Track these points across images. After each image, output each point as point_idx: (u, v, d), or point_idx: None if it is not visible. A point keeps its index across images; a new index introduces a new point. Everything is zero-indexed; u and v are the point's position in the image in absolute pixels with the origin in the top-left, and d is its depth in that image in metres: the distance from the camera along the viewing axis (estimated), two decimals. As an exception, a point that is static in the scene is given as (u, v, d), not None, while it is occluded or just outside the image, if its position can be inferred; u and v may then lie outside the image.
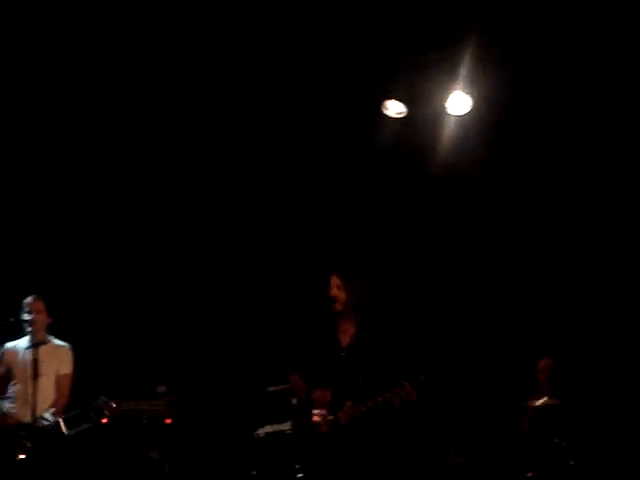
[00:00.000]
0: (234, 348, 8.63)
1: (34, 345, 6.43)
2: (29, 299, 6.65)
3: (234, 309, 8.71)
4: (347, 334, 5.84)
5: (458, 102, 7.68)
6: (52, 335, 6.78)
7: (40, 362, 6.38)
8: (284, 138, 8.38)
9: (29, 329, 6.57)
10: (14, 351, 6.64)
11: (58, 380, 6.62)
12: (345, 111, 8.05)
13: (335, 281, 5.87)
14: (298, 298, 7.49)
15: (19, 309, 6.67)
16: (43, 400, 6.44)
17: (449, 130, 8.05)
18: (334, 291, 5.83)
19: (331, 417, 5.58)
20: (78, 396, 6.83)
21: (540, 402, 7.40)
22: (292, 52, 7.54)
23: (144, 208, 8.71)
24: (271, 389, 6.56)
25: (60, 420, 6.21)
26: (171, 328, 8.62)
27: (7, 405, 6.55)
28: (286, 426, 6.55)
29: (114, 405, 6.17)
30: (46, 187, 8.42)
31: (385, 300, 6.21)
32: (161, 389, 7.58)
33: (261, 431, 7.06)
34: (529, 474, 7.29)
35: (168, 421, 7.37)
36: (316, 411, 5.63)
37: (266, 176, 8.64)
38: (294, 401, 5.86)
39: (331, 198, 8.68)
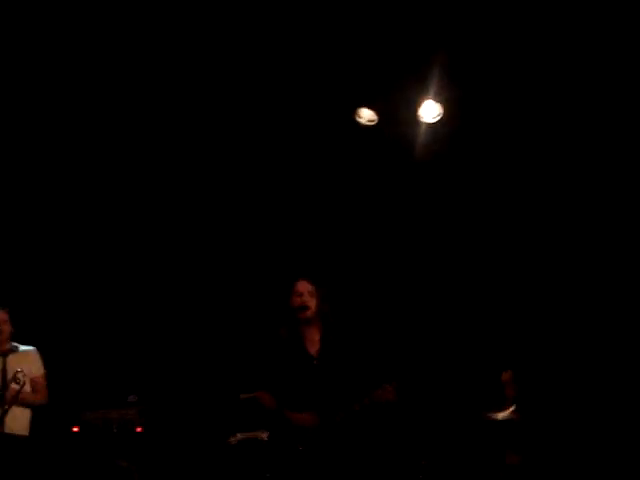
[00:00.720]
0: (205, 355, 8.58)
1: (2, 355, 6.35)
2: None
3: (204, 317, 8.67)
4: (314, 342, 5.68)
5: (429, 110, 7.71)
6: (17, 342, 6.67)
7: (11, 371, 6.29)
8: (255, 146, 8.37)
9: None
10: None
11: (33, 383, 6.52)
12: (317, 119, 8.04)
13: (305, 287, 5.70)
14: (262, 307, 7.46)
15: None
16: (15, 412, 6.32)
17: (421, 137, 8.06)
18: (305, 298, 5.64)
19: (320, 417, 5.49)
20: (49, 404, 6.75)
21: (502, 415, 7.44)
22: (264, 62, 7.53)
23: (115, 219, 8.64)
24: (243, 396, 6.54)
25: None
26: (142, 337, 8.57)
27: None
28: (260, 434, 6.51)
29: None
30: (15, 193, 8.34)
31: (348, 306, 6.18)
32: (132, 398, 7.56)
33: (234, 438, 7.00)
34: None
35: (139, 429, 7.36)
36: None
37: (228, 186, 8.63)
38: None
39: (295, 206, 8.66)
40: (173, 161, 8.43)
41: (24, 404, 6.40)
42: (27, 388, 6.44)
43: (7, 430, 6.18)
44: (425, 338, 8.45)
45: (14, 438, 6.28)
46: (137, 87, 7.63)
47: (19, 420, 6.39)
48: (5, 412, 6.12)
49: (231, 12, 7.01)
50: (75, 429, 7.30)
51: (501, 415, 7.40)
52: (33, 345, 6.74)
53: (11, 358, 6.41)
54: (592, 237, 8.17)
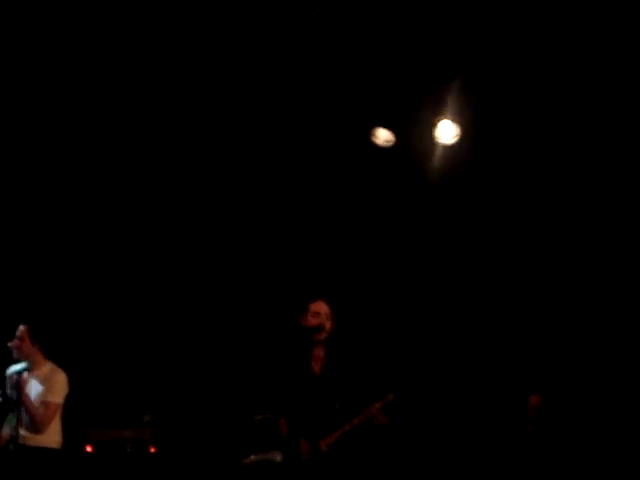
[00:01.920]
0: (220, 377, 8.56)
1: (21, 371, 6.30)
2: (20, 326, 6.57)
3: (217, 337, 8.65)
4: (317, 361, 5.70)
5: (447, 131, 7.70)
6: (52, 360, 6.57)
7: (32, 389, 6.28)
8: (272, 165, 8.37)
9: (15, 355, 6.48)
10: (17, 375, 6.47)
11: (44, 405, 6.34)
12: (334, 138, 8.04)
13: (323, 308, 5.70)
14: (276, 326, 7.44)
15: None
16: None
17: (438, 159, 8.05)
18: (322, 319, 5.65)
19: (311, 445, 5.49)
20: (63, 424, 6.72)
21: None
22: (279, 83, 7.54)
23: (128, 240, 8.68)
24: (257, 417, 6.51)
25: None
26: (156, 356, 8.55)
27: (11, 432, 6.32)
28: (273, 454, 6.48)
29: None
30: (32, 213, 8.36)
31: (353, 325, 6.16)
32: (146, 417, 7.54)
33: (249, 459, 6.96)
34: None
35: (152, 449, 7.33)
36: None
37: (242, 204, 8.62)
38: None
39: (307, 223, 8.65)
40: (187, 179, 8.47)
41: (26, 411, 6.25)
42: (36, 404, 6.40)
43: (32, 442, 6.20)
44: (446, 357, 8.44)
45: (38, 451, 6.24)
46: (143, 93, 7.67)
47: (50, 437, 6.33)
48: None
49: (253, 31, 7.04)
50: (88, 449, 7.28)
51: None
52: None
53: (37, 374, 6.37)
54: (611, 259, 8.13)
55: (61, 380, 6.43)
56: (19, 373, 6.25)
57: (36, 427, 6.26)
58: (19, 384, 6.19)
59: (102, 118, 7.91)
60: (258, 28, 7.04)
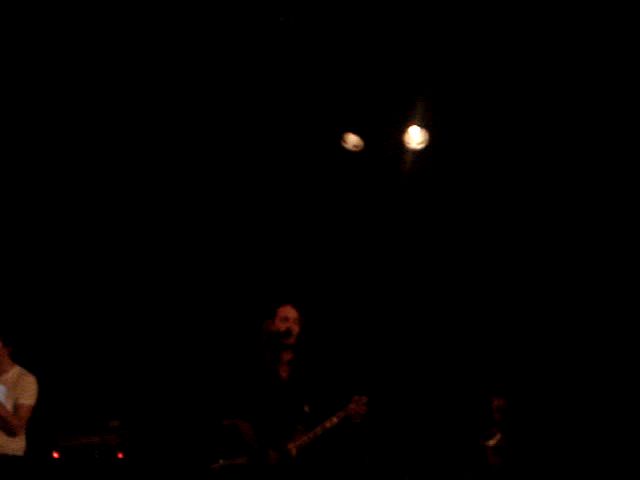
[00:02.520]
0: (187, 382, 8.55)
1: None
2: None
3: (184, 342, 8.64)
4: (285, 365, 5.68)
5: (415, 136, 7.74)
6: (19, 365, 6.48)
7: (2, 393, 6.18)
8: (244, 169, 8.39)
9: None
10: None
11: (17, 408, 6.22)
12: (303, 142, 8.06)
13: (292, 313, 5.72)
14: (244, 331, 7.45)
15: None
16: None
17: (407, 164, 8.09)
18: (290, 324, 5.64)
19: (278, 450, 5.50)
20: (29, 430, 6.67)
21: (493, 441, 7.46)
22: (251, 88, 7.56)
23: (101, 249, 8.66)
24: (226, 422, 6.51)
25: None
26: (123, 361, 8.52)
27: None
28: (240, 460, 6.47)
29: None
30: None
31: (319, 330, 6.19)
32: (113, 423, 7.51)
33: (217, 465, 6.95)
34: None
35: (120, 455, 7.31)
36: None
37: (209, 210, 8.65)
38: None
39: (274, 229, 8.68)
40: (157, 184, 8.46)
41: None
42: (8, 407, 6.35)
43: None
44: (411, 358, 8.48)
45: (4, 458, 6.14)
46: (140, 95, 7.66)
47: (13, 441, 6.20)
48: None
49: (231, 34, 7.06)
50: (55, 455, 7.24)
51: (492, 442, 7.44)
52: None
53: (5, 379, 6.27)
54: (589, 259, 8.21)
55: (32, 382, 6.35)
56: None
57: (11, 431, 6.17)
58: None
59: (97, 119, 7.89)
60: (232, 33, 7.07)
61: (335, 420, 5.50)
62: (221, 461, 6.84)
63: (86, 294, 8.61)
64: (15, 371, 6.38)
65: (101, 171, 8.37)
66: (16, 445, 6.26)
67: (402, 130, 7.82)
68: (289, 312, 5.68)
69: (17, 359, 6.46)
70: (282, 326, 5.61)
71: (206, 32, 7.07)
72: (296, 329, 5.65)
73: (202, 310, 8.65)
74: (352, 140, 7.96)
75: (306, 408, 5.58)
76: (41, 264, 8.52)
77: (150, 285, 8.71)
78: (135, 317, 8.63)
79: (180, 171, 8.40)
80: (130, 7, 6.86)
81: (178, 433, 8.37)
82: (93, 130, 7.99)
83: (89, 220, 8.58)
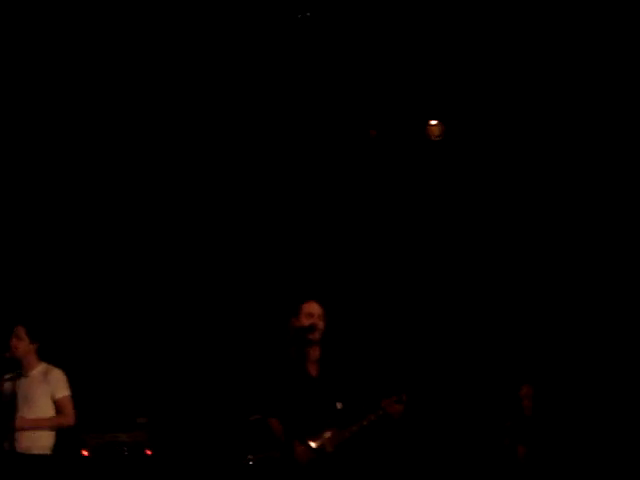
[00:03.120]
0: (215, 378, 8.58)
1: (19, 373, 6.35)
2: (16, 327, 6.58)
3: (212, 339, 8.67)
4: (313, 362, 5.67)
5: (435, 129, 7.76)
6: (46, 362, 6.59)
7: (29, 389, 6.32)
8: (266, 165, 8.42)
9: (10, 353, 6.49)
10: (9, 382, 6.44)
11: (58, 405, 6.40)
12: (324, 139, 8.08)
13: (316, 309, 5.70)
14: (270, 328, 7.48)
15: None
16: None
17: (426, 155, 8.12)
18: (315, 320, 5.63)
19: (314, 445, 5.50)
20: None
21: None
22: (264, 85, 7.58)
23: (122, 246, 8.72)
24: (253, 418, 6.52)
25: None
26: (151, 359, 8.56)
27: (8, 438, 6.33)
28: (274, 454, 6.48)
29: None
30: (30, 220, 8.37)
31: (349, 324, 6.18)
32: (142, 420, 7.55)
33: (251, 457, 6.95)
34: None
35: (149, 452, 7.34)
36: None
37: (232, 210, 8.67)
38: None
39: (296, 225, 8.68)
40: (179, 173, 8.48)
41: (45, 429, 6.34)
42: (49, 412, 6.41)
43: (27, 449, 6.21)
44: (440, 352, 8.47)
45: (32, 458, 6.24)
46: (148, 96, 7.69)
47: (40, 439, 6.33)
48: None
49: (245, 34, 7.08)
50: (84, 453, 7.28)
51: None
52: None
53: (33, 377, 6.40)
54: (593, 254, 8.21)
55: (61, 374, 6.50)
56: (11, 379, 6.30)
57: (68, 427, 6.42)
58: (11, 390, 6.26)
59: (98, 119, 7.93)
60: (250, 31, 7.08)
61: (373, 417, 5.49)
62: (250, 456, 6.89)
63: (114, 292, 8.65)
64: (41, 367, 6.49)
65: (118, 171, 8.42)
66: (43, 443, 6.37)
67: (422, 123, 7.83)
68: (313, 308, 5.66)
69: (44, 357, 6.56)
70: (307, 322, 5.59)
71: (222, 29, 7.09)
72: (321, 325, 5.63)
73: (229, 307, 8.68)
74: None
75: (339, 405, 5.57)
76: (69, 264, 8.58)
77: (178, 283, 8.75)
78: (163, 314, 8.67)
79: (200, 168, 8.43)
80: (148, 6, 6.89)
81: (206, 429, 8.40)
82: (106, 126, 8.01)
83: (113, 221, 8.63)
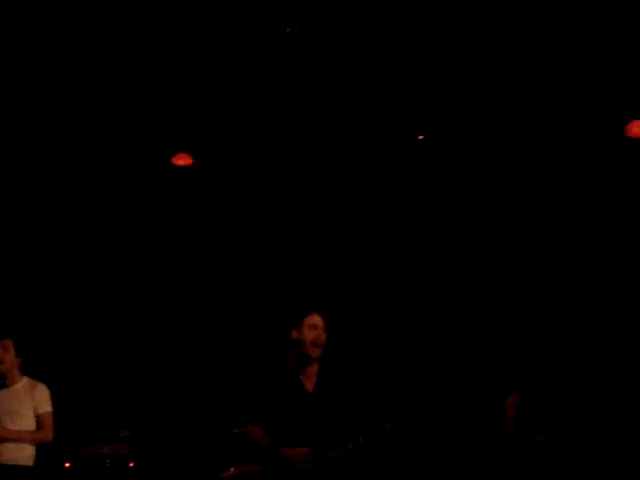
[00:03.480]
0: (198, 390, 8.55)
1: (6, 387, 6.36)
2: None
3: (197, 351, 8.65)
4: (310, 376, 5.53)
5: None
6: (29, 377, 6.56)
7: (13, 402, 6.31)
8: (265, 175, 8.46)
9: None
10: None
11: (40, 419, 6.38)
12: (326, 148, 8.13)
13: (320, 321, 5.57)
14: (265, 339, 7.46)
15: None
16: (18, 444, 6.28)
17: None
18: (319, 332, 5.41)
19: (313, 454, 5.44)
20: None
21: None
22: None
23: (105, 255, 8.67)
24: (236, 431, 6.51)
25: None
26: (134, 370, 8.54)
27: None
28: (253, 468, 6.46)
29: None
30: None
31: (344, 338, 6.14)
32: (125, 432, 7.53)
33: (227, 473, 6.95)
34: None
35: (131, 464, 7.33)
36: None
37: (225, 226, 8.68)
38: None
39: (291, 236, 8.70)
40: (180, 179, 8.47)
41: (26, 442, 6.31)
42: (32, 426, 6.37)
43: (10, 460, 6.19)
44: (425, 365, 8.47)
45: (15, 469, 6.21)
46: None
47: (23, 450, 6.30)
48: None
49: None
50: (67, 464, 7.26)
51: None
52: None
53: (17, 390, 6.39)
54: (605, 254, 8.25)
55: (45, 390, 6.48)
56: None
57: (47, 443, 6.38)
58: None
59: (98, 124, 7.91)
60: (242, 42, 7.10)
61: (355, 444, 5.45)
62: (232, 469, 6.89)
63: (95, 303, 8.62)
64: (25, 382, 6.45)
65: (113, 178, 8.41)
66: (26, 454, 6.35)
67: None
68: (317, 320, 5.49)
69: (26, 370, 6.52)
70: (310, 334, 5.43)
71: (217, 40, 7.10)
72: (324, 337, 5.49)
73: (213, 318, 8.67)
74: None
75: (329, 423, 5.53)
76: (49, 274, 8.54)
77: (162, 291, 8.73)
78: (144, 323, 8.65)
79: (202, 174, 8.43)
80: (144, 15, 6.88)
81: (189, 442, 8.37)
82: (106, 130, 7.98)
83: (106, 232, 8.62)
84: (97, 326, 8.54)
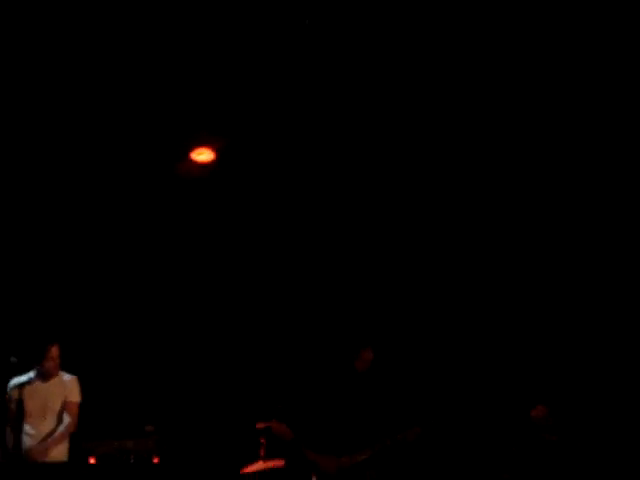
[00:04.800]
0: (221, 385, 8.57)
1: (45, 380, 6.68)
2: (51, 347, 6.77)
3: (220, 347, 8.67)
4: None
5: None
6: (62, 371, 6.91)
7: (51, 397, 6.67)
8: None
9: (44, 371, 6.73)
10: (23, 387, 6.65)
11: (67, 407, 6.76)
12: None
13: (370, 356, 5.88)
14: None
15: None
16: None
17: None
18: (368, 365, 5.89)
19: (337, 460, 5.47)
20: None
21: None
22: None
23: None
24: (259, 425, 6.51)
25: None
26: (158, 367, 8.57)
27: (27, 442, 6.60)
28: (276, 462, 6.47)
29: None
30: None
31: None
32: (149, 428, 7.54)
33: (251, 468, 6.95)
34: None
35: (156, 460, 7.33)
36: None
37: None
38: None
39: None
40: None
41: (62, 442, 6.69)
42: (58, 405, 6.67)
43: (50, 458, 6.55)
44: (452, 376, 8.45)
45: (42, 466, 6.49)
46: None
47: (59, 447, 6.68)
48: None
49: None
50: (91, 460, 7.27)
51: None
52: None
53: (52, 383, 6.74)
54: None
55: (76, 382, 6.91)
56: (22, 385, 6.49)
57: (71, 431, 6.75)
58: (21, 396, 6.44)
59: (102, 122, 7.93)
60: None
61: (388, 442, 5.50)
62: (256, 463, 6.89)
63: (123, 301, 8.69)
64: (59, 375, 6.87)
65: (128, 189, 8.44)
66: (62, 451, 6.71)
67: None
68: (369, 355, 6.09)
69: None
70: (364, 367, 6.02)
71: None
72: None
73: (234, 314, 8.70)
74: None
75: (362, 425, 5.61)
76: (80, 272, 8.60)
77: (186, 288, 8.79)
78: (166, 319, 8.70)
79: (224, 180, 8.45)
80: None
81: (213, 437, 8.40)
82: (111, 134, 8.01)
83: (132, 235, 8.70)
84: (121, 322, 8.60)
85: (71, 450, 6.91)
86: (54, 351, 6.77)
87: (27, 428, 6.63)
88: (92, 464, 7.35)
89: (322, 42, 7.05)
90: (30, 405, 6.65)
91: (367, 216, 8.59)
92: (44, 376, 6.74)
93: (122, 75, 7.33)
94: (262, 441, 6.02)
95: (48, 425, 6.71)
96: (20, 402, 6.53)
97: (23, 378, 6.74)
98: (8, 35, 6.81)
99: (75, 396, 6.82)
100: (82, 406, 7.16)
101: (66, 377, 6.89)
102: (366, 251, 8.71)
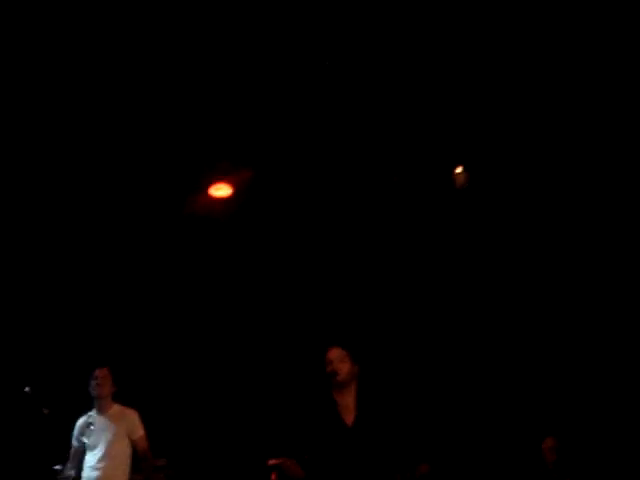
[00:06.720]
0: (234, 421, 8.56)
1: (102, 412, 6.75)
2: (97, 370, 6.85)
3: (233, 383, 8.67)
4: (349, 409, 5.58)
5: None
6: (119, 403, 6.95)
7: (110, 429, 6.70)
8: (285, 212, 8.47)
9: (96, 394, 6.81)
10: (85, 423, 6.79)
11: (138, 443, 6.82)
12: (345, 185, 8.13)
13: (335, 354, 5.59)
14: (294, 372, 7.48)
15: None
16: (114, 466, 6.71)
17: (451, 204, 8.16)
18: (335, 365, 5.54)
19: None
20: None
21: None
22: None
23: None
24: (270, 462, 6.49)
25: None
26: (170, 401, 8.56)
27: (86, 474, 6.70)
28: None
29: None
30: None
31: (382, 371, 6.16)
32: (160, 462, 7.54)
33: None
34: None
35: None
36: None
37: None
38: None
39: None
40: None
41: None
42: (128, 450, 6.79)
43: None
44: (461, 406, 8.41)
45: None
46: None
47: (119, 468, 6.74)
48: None
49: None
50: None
51: None
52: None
53: (111, 417, 6.78)
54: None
55: (136, 414, 6.93)
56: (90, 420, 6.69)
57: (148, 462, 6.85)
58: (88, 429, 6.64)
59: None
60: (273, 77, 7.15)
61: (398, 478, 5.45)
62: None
63: (132, 331, 8.71)
64: (116, 408, 6.89)
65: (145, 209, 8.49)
66: (121, 472, 6.76)
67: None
68: (332, 354, 5.61)
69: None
70: (328, 368, 5.58)
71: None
72: (343, 367, 5.55)
73: (256, 350, 8.73)
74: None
75: (370, 457, 5.52)
76: (91, 308, 8.65)
77: (204, 327, 8.83)
78: (185, 355, 8.72)
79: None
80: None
81: (224, 473, 8.37)
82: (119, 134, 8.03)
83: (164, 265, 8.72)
84: (137, 355, 8.61)
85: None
86: (105, 372, 6.82)
87: (88, 461, 6.71)
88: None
89: (338, 77, 7.11)
90: (91, 440, 6.73)
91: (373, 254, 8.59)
92: (99, 408, 6.79)
93: (138, 110, 7.38)
94: (273, 478, 5.98)
95: (113, 456, 6.74)
96: (80, 437, 6.72)
97: (87, 415, 6.84)
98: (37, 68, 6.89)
99: (140, 429, 6.86)
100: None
101: (123, 409, 6.91)
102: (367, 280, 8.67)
